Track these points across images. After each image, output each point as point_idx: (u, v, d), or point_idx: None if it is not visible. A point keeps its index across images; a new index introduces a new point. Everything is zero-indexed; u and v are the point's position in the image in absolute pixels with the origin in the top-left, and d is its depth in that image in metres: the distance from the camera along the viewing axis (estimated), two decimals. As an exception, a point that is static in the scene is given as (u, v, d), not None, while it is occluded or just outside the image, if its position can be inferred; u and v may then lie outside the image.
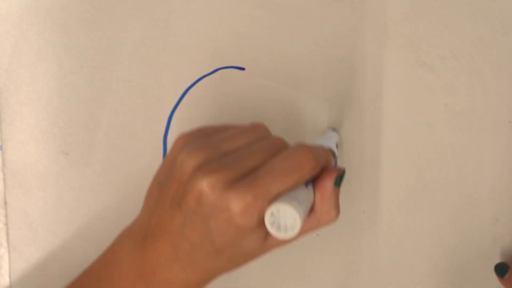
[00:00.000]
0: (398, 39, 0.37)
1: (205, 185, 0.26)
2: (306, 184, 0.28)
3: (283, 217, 0.25)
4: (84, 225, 0.39)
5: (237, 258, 0.29)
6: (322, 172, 0.29)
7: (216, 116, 0.38)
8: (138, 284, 0.30)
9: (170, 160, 0.29)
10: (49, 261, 0.39)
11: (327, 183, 0.29)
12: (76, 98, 0.38)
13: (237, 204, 0.25)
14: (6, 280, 0.39)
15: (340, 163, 0.38)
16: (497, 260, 0.38)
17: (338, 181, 0.29)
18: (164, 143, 0.38)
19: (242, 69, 0.37)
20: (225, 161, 0.26)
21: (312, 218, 0.29)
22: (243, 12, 0.37)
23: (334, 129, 0.37)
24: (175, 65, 0.37)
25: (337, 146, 0.35)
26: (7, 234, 0.39)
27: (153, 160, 0.38)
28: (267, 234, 0.28)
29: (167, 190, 0.29)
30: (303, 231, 0.28)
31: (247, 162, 0.27)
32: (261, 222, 0.26)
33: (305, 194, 0.27)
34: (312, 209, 0.29)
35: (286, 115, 0.38)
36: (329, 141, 0.34)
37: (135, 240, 0.30)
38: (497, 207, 0.38)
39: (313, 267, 0.39)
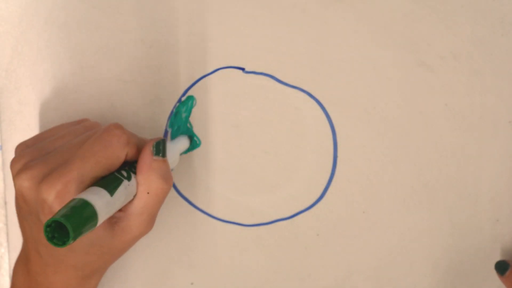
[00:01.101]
0: (398, 39, 0.37)
1: (23, 183, 0.27)
2: (128, 173, 0.28)
3: None
4: (84, 225, 0.39)
5: (95, 251, 0.29)
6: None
7: (216, 116, 0.38)
8: None
9: None
10: (49, 261, 0.39)
11: (145, 153, 0.29)
12: (76, 98, 0.38)
13: (50, 194, 0.26)
14: (6, 280, 0.39)
15: (340, 163, 0.38)
16: (497, 260, 0.38)
17: (158, 150, 0.29)
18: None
19: (242, 69, 0.37)
20: (42, 159, 0.27)
21: (140, 193, 0.29)
22: (243, 12, 0.37)
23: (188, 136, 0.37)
24: (175, 65, 0.37)
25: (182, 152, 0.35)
26: (7, 234, 0.39)
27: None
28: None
29: (15, 203, 0.30)
30: (141, 208, 0.29)
31: (62, 154, 0.27)
32: None
33: (120, 182, 0.27)
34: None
35: (286, 115, 0.38)
36: (172, 147, 0.33)
37: (20, 260, 0.32)
38: (497, 207, 0.38)
39: (313, 267, 0.39)
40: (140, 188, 0.29)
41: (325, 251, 0.38)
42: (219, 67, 0.37)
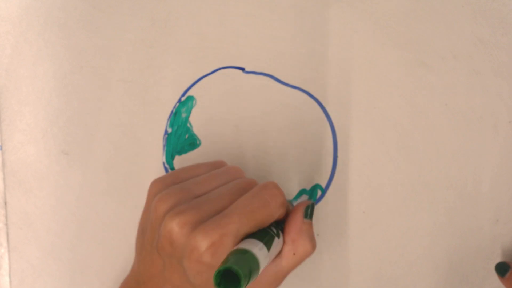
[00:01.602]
0: (398, 39, 0.37)
1: (174, 226, 0.26)
2: (277, 230, 0.28)
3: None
4: (84, 225, 0.39)
5: None
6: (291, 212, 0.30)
7: (216, 116, 0.38)
8: None
9: (147, 207, 0.30)
10: (49, 261, 0.39)
11: (297, 215, 0.29)
12: (76, 98, 0.38)
13: (204, 243, 0.25)
14: (6, 280, 0.39)
15: (340, 163, 0.38)
16: (497, 260, 0.38)
17: (309, 213, 0.30)
18: (164, 143, 0.38)
19: (242, 69, 0.37)
20: (194, 203, 0.27)
21: (287, 253, 0.29)
22: (243, 12, 0.37)
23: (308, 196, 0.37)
24: (175, 65, 0.37)
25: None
26: (7, 234, 0.39)
27: (153, 160, 0.38)
28: None
29: (147, 236, 0.30)
30: (284, 268, 0.29)
31: (216, 203, 0.27)
32: None
33: (272, 238, 0.27)
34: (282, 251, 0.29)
35: (286, 115, 0.38)
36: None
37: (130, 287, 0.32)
38: (497, 207, 0.38)
39: (313, 267, 0.39)
40: (286, 248, 0.29)
41: (325, 251, 0.38)
42: (219, 67, 0.37)
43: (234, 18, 0.37)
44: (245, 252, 0.24)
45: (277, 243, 0.28)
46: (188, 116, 0.38)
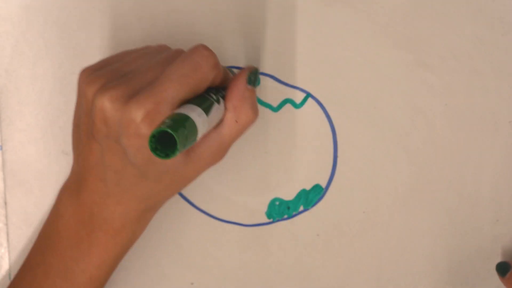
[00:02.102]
0: (398, 39, 0.37)
1: (106, 103, 0.25)
2: (217, 97, 0.27)
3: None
4: (84, 225, 0.39)
5: (166, 179, 0.27)
6: (233, 77, 0.29)
7: (216, 116, 0.38)
8: (81, 231, 0.29)
9: (78, 100, 0.29)
10: (49, 261, 0.39)
11: (239, 80, 0.28)
12: (76, 98, 0.38)
13: (139, 113, 0.24)
14: (6, 280, 0.39)
15: (340, 163, 0.38)
16: (498, 260, 0.38)
17: (252, 79, 0.28)
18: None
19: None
20: (124, 79, 0.26)
21: (229, 121, 0.28)
22: (243, 12, 0.37)
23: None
24: (175, 65, 0.37)
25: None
26: (7, 234, 0.39)
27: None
28: None
29: (82, 127, 0.28)
30: (226, 136, 0.28)
31: (146, 74, 0.26)
32: None
33: (211, 104, 0.26)
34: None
35: (286, 115, 0.38)
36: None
37: (70, 190, 0.30)
38: (497, 207, 0.38)
39: (313, 267, 0.39)
40: (228, 115, 0.28)
41: (325, 251, 0.38)
42: (219, 67, 0.37)
43: (234, 18, 0.37)
44: (182, 116, 0.23)
45: (217, 108, 0.27)
46: (188, 116, 0.38)
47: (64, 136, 0.38)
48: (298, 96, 0.37)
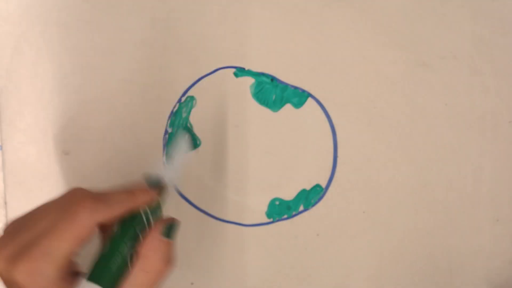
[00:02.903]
0: (398, 39, 0.37)
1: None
2: (127, 249, 0.27)
3: None
4: (84, 225, 0.39)
5: None
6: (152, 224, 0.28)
7: (216, 116, 0.38)
8: None
9: None
10: (49, 261, 0.39)
11: (153, 231, 0.28)
12: (76, 98, 0.38)
13: (20, 276, 0.25)
14: (6, 280, 0.39)
15: (340, 163, 0.38)
16: (497, 260, 0.38)
17: (167, 232, 0.28)
18: (164, 143, 0.38)
19: (242, 69, 0.37)
20: (12, 236, 0.26)
21: (136, 268, 0.27)
22: (243, 12, 0.37)
23: (184, 132, 0.36)
24: (175, 65, 0.37)
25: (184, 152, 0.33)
26: (7, 234, 0.39)
27: (153, 160, 0.38)
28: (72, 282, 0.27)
29: None
30: (137, 284, 0.27)
31: (30, 228, 0.26)
32: (57, 278, 0.25)
33: (114, 272, 0.26)
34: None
35: (286, 115, 0.38)
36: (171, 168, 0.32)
37: None
38: (497, 207, 0.38)
39: (313, 267, 0.39)
40: (138, 262, 0.28)
41: (325, 251, 0.38)
42: (219, 67, 0.37)
43: (234, 18, 0.37)
44: None
45: (121, 266, 0.27)
46: (188, 116, 0.38)
47: (64, 136, 0.38)
48: (298, 96, 0.37)
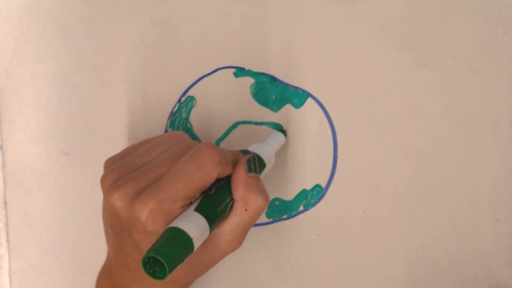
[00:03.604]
0: (398, 39, 0.37)
1: (115, 201, 0.27)
2: (223, 190, 0.28)
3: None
4: (84, 225, 0.39)
5: (185, 266, 0.28)
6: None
7: (216, 116, 0.38)
8: None
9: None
10: (49, 261, 0.39)
11: (239, 171, 0.29)
12: (76, 98, 0.38)
13: (144, 212, 0.26)
14: (6, 280, 0.39)
15: (340, 163, 0.38)
16: (497, 260, 0.38)
17: (251, 167, 0.29)
18: (164, 143, 0.38)
19: (242, 69, 0.37)
20: (133, 175, 0.28)
21: (238, 211, 0.29)
22: (243, 12, 0.37)
23: (282, 131, 0.37)
24: (175, 65, 0.37)
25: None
26: (7, 234, 0.39)
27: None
28: None
29: (104, 217, 0.31)
30: (238, 225, 0.29)
31: (154, 171, 0.28)
32: (175, 218, 0.27)
33: (218, 205, 0.28)
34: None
35: (286, 115, 0.38)
36: (264, 148, 0.33)
37: (104, 273, 0.33)
38: (497, 207, 0.38)
39: (313, 267, 0.39)
40: (237, 205, 0.29)
41: (325, 251, 0.38)
42: (219, 67, 0.37)
43: (234, 18, 0.37)
44: (176, 232, 0.24)
45: (222, 206, 0.28)
46: (188, 116, 0.38)
47: (64, 136, 0.38)
48: (298, 96, 0.37)
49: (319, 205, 0.38)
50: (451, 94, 0.37)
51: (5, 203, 0.38)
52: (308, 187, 0.38)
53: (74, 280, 0.39)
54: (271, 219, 0.38)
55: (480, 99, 0.37)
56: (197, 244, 0.25)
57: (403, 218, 0.38)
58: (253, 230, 0.38)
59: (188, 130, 0.38)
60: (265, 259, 0.39)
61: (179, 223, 0.25)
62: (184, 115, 0.38)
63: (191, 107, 0.38)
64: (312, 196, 0.38)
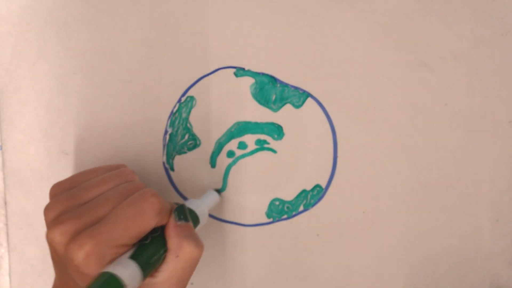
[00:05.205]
0: (398, 39, 0.37)
1: (54, 237, 0.27)
2: (157, 239, 0.29)
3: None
4: (84, 225, 0.39)
5: None
6: None
7: (216, 116, 0.38)
8: None
9: None
10: (49, 261, 0.39)
11: (169, 221, 0.30)
12: (76, 98, 0.38)
13: (79, 254, 0.26)
14: (6, 280, 0.39)
15: (340, 163, 0.38)
16: (497, 260, 0.38)
17: (180, 215, 0.30)
18: (164, 143, 0.38)
19: (242, 69, 0.37)
20: (75, 213, 0.28)
21: (170, 257, 0.29)
22: (243, 12, 0.37)
23: (217, 191, 0.37)
24: (175, 65, 0.37)
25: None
26: (7, 234, 0.39)
27: (153, 160, 0.38)
28: None
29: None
30: (172, 272, 0.29)
31: (96, 210, 0.28)
32: (109, 262, 0.27)
33: (153, 254, 0.28)
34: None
35: (286, 115, 0.38)
36: (197, 203, 0.34)
37: None
38: (497, 207, 0.38)
39: (313, 267, 0.39)
40: (169, 253, 0.29)
41: (325, 251, 0.38)
42: (219, 67, 0.37)
43: (234, 18, 0.37)
44: (110, 278, 0.25)
45: (157, 254, 0.28)
46: (188, 116, 0.38)
47: (64, 136, 0.38)
48: (298, 96, 0.37)
49: (319, 205, 0.38)
50: (451, 94, 0.37)
51: (5, 203, 0.38)
52: (308, 187, 0.38)
53: (74, 280, 0.39)
54: (271, 219, 0.38)
55: (480, 99, 0.37)
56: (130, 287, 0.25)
57: (403, 218, 0.38)
58: (253, 230, 0.38)
59: (188, 130, 0.38)
60: (265, 259, 0.39)
61: (114, 269, 0.26)
62: (184, 115, 0.38)
63: (191, 107, 0.38)
64: (312, 196, 0.38)
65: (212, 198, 0.36)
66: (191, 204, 0.33)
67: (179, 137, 0.38)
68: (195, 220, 0.32)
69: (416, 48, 0.37)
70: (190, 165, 0.38)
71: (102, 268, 0.26)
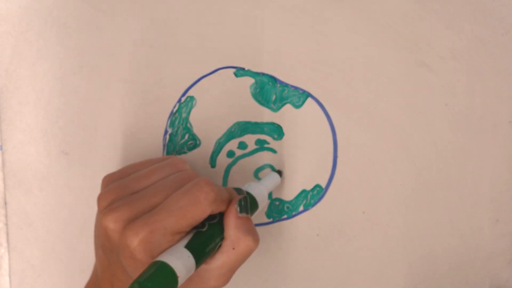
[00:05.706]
0: (398, 39, 0.37)
1: (108, 224, 0.27)
2: (221, 226, 0.29)
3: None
4: (84, 225, 0.39)
5: None
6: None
7: (216, 116, 0.38)
8: None
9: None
10: (49, 261, 0.39)
11: (230, 211, 0.30)
12: (76, 98, 0.38)
13: (133, 240, 0.26)
14: (6, 280, 0.39)
15: (340, 163, 0.38)
16: (497, 260, 0.38)
17: (242, 208, 0.30)
18: (164, 143, 0.38)
19: (242, 69, 0.37)
20: (129, 200, 0.28)
21: (226, 248, 0.29)
22: (243, 12, 0.37)
23: (278, 172, 0.37)
24: (175, 65, 0.37)
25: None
26: (7, 234, 0.39)
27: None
28: None
29: (96, 233, 0.31)
30: (225, 263, 0.29)
31: (150, 199, 0.28)
32: (163, 250, 0.27)
33: (207, 243, 0.28)
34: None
35: (286, 115, 0.38)
36: (258, 188, 0.33)
37: (91, 286, 0.33)
38: (497, 207, 0.38)
39: (313, 267, 0.39)
40: (225, 243, 0.29)
41: (325, 251, 0.38)
42: (219, 67, 0.37)
43: (234, 18, 0.37)
44: (162, 266, 0.25)
45: (212, 244, 0.28)
46: (188, 116, 0.38)
47: (64, 136, 0.38)
48: (298, 96, 0.37)
49: (319, 205, 0.38)
50: (451, 94, 0.37)
51: (5, 203, 0.38)
52: (308, 187, 0.38)
53: (74, 280, 0.39)
54: (271, 219, 0.38)
55: (480, 99, 0.37)
56: (181, 281, 0.25)
57: (403, 218, 0.38)
58: (253, 230, 0.38)
59: (188, 130, 0.38)
60: (265, 259, 0.39)
61: (168, 258, 0.25)
62: (184, 115, 0.38)
63: (191, 107, 0.38)
64: (312, 196, 0.38)
65: (273, 180, 0.36)
66: (251, 188, 0.33)
67: (179, 137, 0.38)
68: (254, 205, 0.32)
69: (416, 48, 0.37)
70: (190, 165, 0.38)
71: (157, 256, 0.26)
